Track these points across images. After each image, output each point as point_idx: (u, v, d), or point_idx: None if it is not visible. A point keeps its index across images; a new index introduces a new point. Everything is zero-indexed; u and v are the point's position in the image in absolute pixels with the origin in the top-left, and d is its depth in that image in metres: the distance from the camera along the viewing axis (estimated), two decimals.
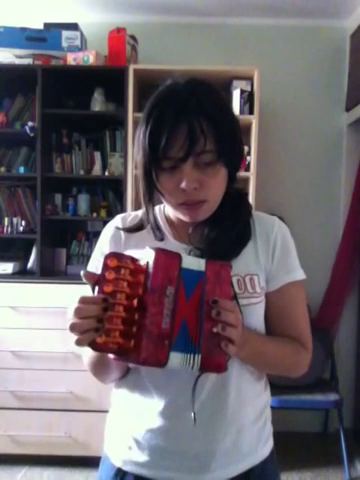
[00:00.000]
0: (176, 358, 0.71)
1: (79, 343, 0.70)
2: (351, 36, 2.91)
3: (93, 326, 0.69)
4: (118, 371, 0.94)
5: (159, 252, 0.71)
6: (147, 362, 0.69)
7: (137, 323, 0.70)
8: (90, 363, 0.93)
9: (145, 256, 0.73)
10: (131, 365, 0.87)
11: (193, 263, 0.74)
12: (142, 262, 0.73)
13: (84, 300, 0.71)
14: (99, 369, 0.93)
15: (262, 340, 0.92)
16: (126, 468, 0.94)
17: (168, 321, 0.70)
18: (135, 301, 0.70)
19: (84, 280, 0.73)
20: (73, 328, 0.70)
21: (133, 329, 0.70)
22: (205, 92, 0.85)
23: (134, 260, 0.73)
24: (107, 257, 0.71)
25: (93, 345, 0.69)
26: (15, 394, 2.54)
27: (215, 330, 0.72)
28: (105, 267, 0.71)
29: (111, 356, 0.74)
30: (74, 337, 0.71)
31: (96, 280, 0.71)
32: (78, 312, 0.70)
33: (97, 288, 0.71)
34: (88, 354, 0.92)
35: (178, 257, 0.73)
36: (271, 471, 0.98)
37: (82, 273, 0.72)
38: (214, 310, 0.72)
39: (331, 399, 2.59)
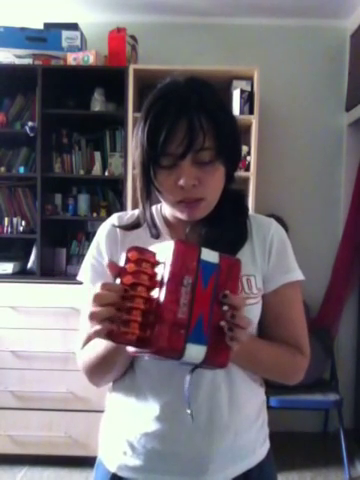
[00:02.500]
0: (192, 350, 0.70)
1: (98, 334, 0.68)
2: (351, 36, 2.91)
3: (112, 314, 0.68)
4: (118, 370, 0.92)
5: (178, 242, 0.71)
6: (163, 351, 0.68)
7: (154, 313, 0.69)
8: (91, 363, 0.89)
9: (165, 248, 0.72)
10: (143, 358, 0.83)
11: (209, 255, 0.74)
12: (161, 255, 0.72)
13: (105, 287, 0.69)
14: (100, 369, 0.90)
15: (258, 342, 0.91)
16: (121, 474, 0.93)
17: (185, 311, 0.69)
18: (154, 292, 0.70)
19: (107, 270, 0.72)
20: (92, 316, 0.68)
21: (150, 319, 0.69)
22: (205, 90, 0.85)
23: (155, 255, 0.73)
24: (128, 250, 0.71)
25: (111, 336, 0.68)
26: (15, 394, 2.54)
27: (222, 324, 0.71)
28: (127, 260, 0.71)
29: (129, 349, 0.73)
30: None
31: (118, 272, 0.71)
32: (98, 298, 0.68)
33: (118, 280, 0.71)
34: (91, 353, 0.89)
35: (197, 248, 0.72)
36: (269, 472, 0.98)
37: (107, 263, 0.72)
38: (228, 312, 0.71)
39: (331, 399, 2.59)
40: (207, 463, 0.89)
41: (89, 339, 0.91)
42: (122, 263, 0.71)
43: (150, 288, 0.71)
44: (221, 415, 0.89)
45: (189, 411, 0.78)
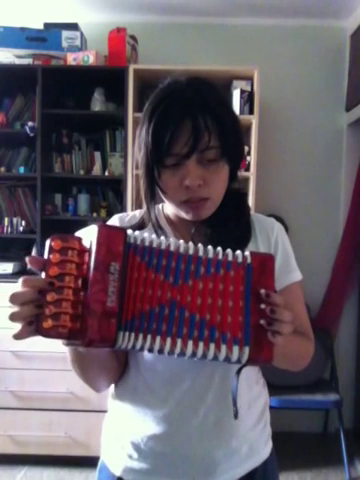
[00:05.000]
0: (128, 338, 0.66)
1: (18, 336, 0.65)
2: (351, 36, 2.91)
3: (33, 312, 0.64)
4: (100, 370, 0.89)
5: (102, 226, 0.68)
6: (93, 343, 0.65)
7: (82, 304, 0.66)
8: (71, 363, 0.86)
9: (91, 233, 0.68)
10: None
11: (179, 245, 0.71)
12: (87, 241, 0.69)
13: (25, 283, 0.65)
14: (76, 367, 0.86)
15: None
16: (127, 477, 0.92)
17: (114, 299, 0.66)
18: (79, 281, 0.66)
19: (29, 266, 0.67)
20: (13, 317, 0.64)
21: (79, 310, 0.66)
22: (208, 89, 0.85)
23: (81, 240, 0.69)
24: (52, 239, 0.67)
25: (41, 331, 0.64)
26: (15, 394, 2.54)
27: (266, 324, 0.69)
28: (50, 249, 0.66)
29: (62, 342, 0.70)
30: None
31: (42, 264, 0.66)
32: (14, 298, 0.64)
33: (43, 273, 0.66)
34: (67, 353, 0.86)
35: (122, 231, 0.69)
36: (272, 471, 0.98)
37: (27, 259, 0.67)
38: (268, 307, 0.70)
39: (331, 399, 2.59)
40: (215, 464, 0.89)
41: None
42: (46, 254, 0.67)
43: (78, 277, 0.67)
44: (229, 418, 0.88)
45: (235, 409, 0.78)
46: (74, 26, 2.72)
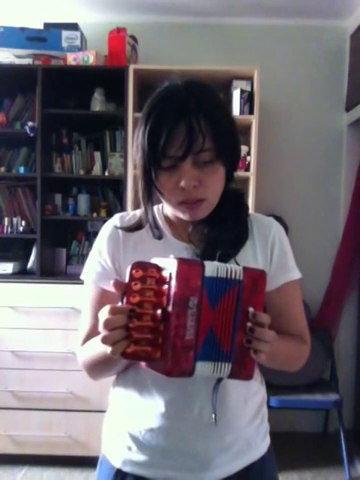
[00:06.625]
0: (203, 366, 0.72)
1: (113, 354, 0.72)
2: (351, 36, 2.91)
3: (122, 336, 0.71)
4: (119, 369, 0.94)
5: (181, 263, 0.71)
6: (173, 373, 0.70)
7: (162, 334, 0.71)
8: (93, 361, 0.91)
9: (168, 265, 0.73)
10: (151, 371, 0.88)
11: (219, 270, 0.73)
12: (165, 271, 0.73)
13: (111, 311, 0.72)
14: (101, 367, 0.92)
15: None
16: (126, 469, 0.94)
17: (192, 332, 0.71)
18: (159, 312, 0.71)
19: (113, 289, 0.73)
20: (105, 340, 0.71)
21: (159, 340, 0.71)
22: (203, 92, 0.86)
23: (159, 269, 0.73)
24: (132, 267, 0.72)
25: (124, 354, 0.71)
26: (15, 394, 2.54)
27: (245, 342, 0.73)
28: (131, 278, 0.71)
29: (142, 363, 0.76)
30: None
31: (124, 290, 0.72)
32: (106, 324, 0.71)
33: (125, 298, 0.72)
34: (88, 354, 0.91)
35: (200, 265, 0.72)
36: (269, 467, 1.00)
37: (112, 282, 0.73)
38: (249, 325, 0.73)
39: (331, 399, 2.59)
40: (211, 458, 0.91)
41: (89, 337, 0.93)
42: (127, 279, 0.72)
43: (157, 304, 0.71)
44: (225, 413, 0.91)
45: (214, 416, 0.82)
46: (74, 26, 2.72)
